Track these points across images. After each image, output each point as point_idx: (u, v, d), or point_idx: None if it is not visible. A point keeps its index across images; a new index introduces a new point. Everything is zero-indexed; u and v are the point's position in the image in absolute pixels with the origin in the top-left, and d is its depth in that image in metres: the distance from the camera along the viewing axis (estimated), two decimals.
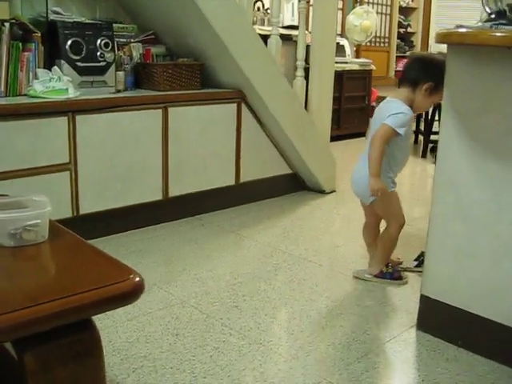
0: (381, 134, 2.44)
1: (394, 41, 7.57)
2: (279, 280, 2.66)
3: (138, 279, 1.26)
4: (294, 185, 4.09)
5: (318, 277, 2.72)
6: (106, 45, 3.06)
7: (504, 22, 1.79)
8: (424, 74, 2.47)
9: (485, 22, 1.84)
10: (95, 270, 1.31)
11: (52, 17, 3.02)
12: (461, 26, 1.86)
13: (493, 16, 1.86)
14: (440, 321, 2.21)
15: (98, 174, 3.00)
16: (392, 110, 2.46)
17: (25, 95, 2.94)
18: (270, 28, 3.94)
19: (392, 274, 2.67)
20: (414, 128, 5.78)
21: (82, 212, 2.95)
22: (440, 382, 1.92)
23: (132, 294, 1.23)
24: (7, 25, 2.86)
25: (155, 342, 2.10)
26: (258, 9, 5.88)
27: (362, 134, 6.44)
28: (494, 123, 1.98)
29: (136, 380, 1.86)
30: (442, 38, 1.87)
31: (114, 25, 3.27)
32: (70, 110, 2.84)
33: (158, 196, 3.29)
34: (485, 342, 2.08)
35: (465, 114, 2.04)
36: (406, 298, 2.51)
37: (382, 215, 2.68)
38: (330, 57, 4.00)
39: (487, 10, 1.90)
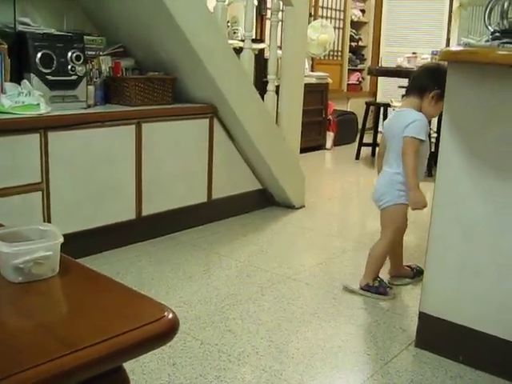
0: (408, 149, 2.49)
1: (347, 54, 7.64)
2: (267, 301, 2.58)
3: (172, 316, 1.16)
4: (264, 200, 4.03)
5: (306, 296, 2.66)
6: (78, 58, 2.93)
7: (510, 40, 1.78)
8: (431, 81, 2.50)
9: (492, 39, 1.82)
10: (126, 307, 1.19)
11: (20, 28, 2.86)
12: (466, 44, 1.85)
13: (497, 34, 1.85)
14: (440, 338, 2.18)
15: (70, 194, 2.85)
16: (407, 120, 2.50)
17: None
18: (233, 41, 3.88)
19: (378, 288, 2.63)
20: None
21: None
22: None
23: (169, 333, 1.13)
24: None
25: (152, 373, 1.98)
26: None
27: (320, 148, 6.47)
28: (495, 139, 1.96)
29: None
30: (448, 55, 1.85)
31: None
32: (42, 126, 2.69)
33: (131, 215, 3.16)
34: (489, 358, 2.06)
35: (465, 129, 2.02)
36: (399, 316, 2.48)
37: (382, 225, 2.68)
38: (300, 71, 3.98)
39: (490, 28, 1.90)
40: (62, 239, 1.35)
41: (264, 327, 2.33)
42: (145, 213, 3.21)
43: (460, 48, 1.85)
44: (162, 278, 2.78)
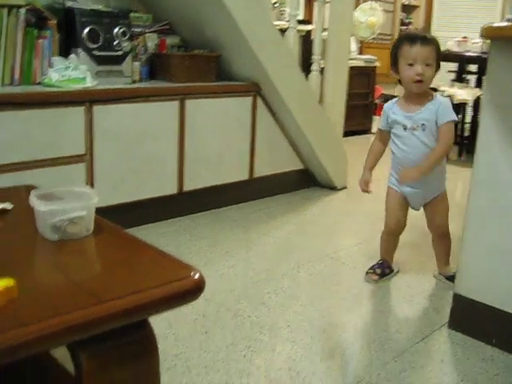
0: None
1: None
2: (303, 277, 2.60)
3: (198, 276, 1.19)
4: (306, 181, 4.03)
5: (342, 274, 2.67)
6: (124, 34, 2.98)
7: None
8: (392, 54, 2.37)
9: None
10: (154, 266, 1.23)
11: (68, 4, 2.93)
12: (510, 20, 1.81)
13: None
14: (473, 319, 2.16)
15: (114, 167, 2.92)
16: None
17: (39, 84, 2.86)
18: (280, 22, 3.88)
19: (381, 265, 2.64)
20: None
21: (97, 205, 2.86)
22: (479, 382, 1.87)
23: (194, 292, 1.16)
24: (22, 11, 2.77)
25: (185, 340, 2.03)
26: None
27: (365, 132, 6.42)
28: None
29: (170, 379, 1.80)
30: (491, 31, 1.82)
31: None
32: (87, 99, 2.76)
33: (173, 190, 3.22)
34: None
35: (506, 109, 1.99)
36: (433, 296, 2.46)
37: None
38: (345, 52, 3.95)
39: None
40: (96, 200, 1.40)
41: (297, 302, 2.35)
42: (186, 188, 3.26)
43: (504, 24, 1.81)
44: (200, 252, 2.82)
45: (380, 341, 2.10)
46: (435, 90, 5.55)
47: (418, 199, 2.49)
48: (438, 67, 2.32)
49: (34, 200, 1.36)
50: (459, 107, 5.04)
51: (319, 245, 3.00)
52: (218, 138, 3.36)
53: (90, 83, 2.80)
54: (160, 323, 2.12)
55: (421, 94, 2.34)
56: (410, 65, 2.28)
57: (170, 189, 3.20)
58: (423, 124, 2.32)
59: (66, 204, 1.37)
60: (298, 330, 2.14)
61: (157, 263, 1.25)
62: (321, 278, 2.60)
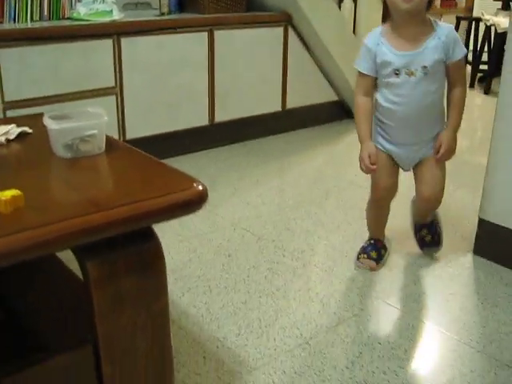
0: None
1: None
2: (330, 204, 2.61)
3: (201, 187, 1.22)
4: (339, 113, 3.98)
5: None
6: None
7: None
8: None
9: None
10: (158, 179, 1.27)
11: None
12: None
13: None
14: (498, 245, 2.14)
15: (144, 99, 2.95)
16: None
17: (68, 18, 2.88)
18: None
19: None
20: None
21: (128, 137, 2.92)
22: (499, 305, 1.86)
23: (196, 202, 1.19)
24: None
25: (208, 262, 2.08)
26: None
27: None
28: None
29: (191, 299, 1.85)
30: None
31: None
32: (115, 32, 2.77)
33: (204, 121, 3.23)
34: None
35: None
36: (460, 223, 2.44)
37: None
38: None
39: None
40: (106, 118, 1.42)
41: (323, 228, 2.37)
42: (218, 119, 3.28)
43: None
44: (229, 182, 2.86)
45: (402, 265, 2.11)
46: (479, 19, 5.34)
47: (409, 159, 1.94)
48: None
49: (47, 120, 1.40)
50: (503, 36, 4.85)
51: (349, 174, 2.99)
52: (248, 69, 3.34)
53: (116, 16, 2.81)
54: (184, 247, 2.18)
55: (416, 22, 1.77)
56: None
57: (202, 120, 3.22)
58: (424, 67, 1.76)
59: (78, 122, 1.41)
60: (321, 254, 2.17)
61: (163, 176, 1.28)
62: (348, 205, 2.61)
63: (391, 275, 2.03)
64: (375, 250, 2.09)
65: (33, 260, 1.40)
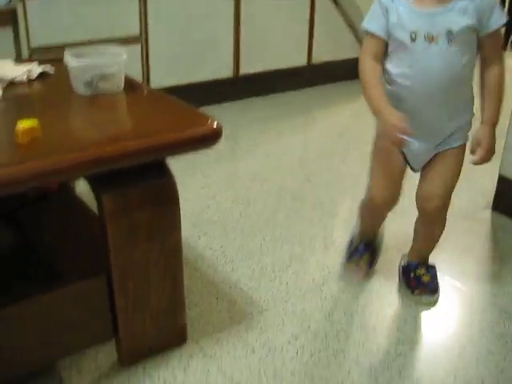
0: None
1: None
2: (352, 158, 2.60)
3: (216, 124, 1.24)
4: None
5: None
6: None
7: None
8: None
9: None
10: (174, 116, 1.29)
11: None
12: None
13: None
14: None
15: (168, 49, 2.95)
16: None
17: None
18: None
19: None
20: None
21: (152, 85, 2.93)
22: None
23: (210, 137, 1.21)
24: None
25: (226, 209, 2.10)
26: None
27: None
28: None
29: (207, 242, 1.88)
30: None
31: None
32: None
33: (229, 73, 3.23)
34: None
35: None
36: (480, 180, 2.42)
37: None
38: None
39: None
40: (125, 57, 1.43)
41: (344, 180, 2.37)
42: (242, 71, 3.27)
43: None
44: (252, 134, 2.86)
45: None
46: None
47: (424, 155, 1.53)
48: None
49: (67, 57, 1.42)
50: None
51: (373, 129, 2.96)
52: (275, 20, 3.31)
53: None
54: (204, 194, 2.21)
55: None
56: None
57: (226, 72, 3.21)
58: (449, 32, 1.36)
59: (97, 60, 1.42)
60: (340, 204, 2.18)
61: (179, 113, 1.31)
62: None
63: (409, 230, 2.03)
64: (367, 253, 1.76)
65: (52, 193, 1.44)
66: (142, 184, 1.20)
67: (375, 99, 1.42)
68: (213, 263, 1.77)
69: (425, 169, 1.56)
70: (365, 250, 1.76)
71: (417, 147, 1.49)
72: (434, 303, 1.64)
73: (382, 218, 1.73)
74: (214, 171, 2.40)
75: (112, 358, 1.39)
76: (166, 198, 1.25)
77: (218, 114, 3.05)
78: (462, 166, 1.55)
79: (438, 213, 1.58)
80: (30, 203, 1.50)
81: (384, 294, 1.66)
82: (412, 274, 1.68)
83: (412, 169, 1.58)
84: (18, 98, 1.40)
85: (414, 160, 1.55)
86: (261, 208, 2.11)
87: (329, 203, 2.17)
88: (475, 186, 2.35)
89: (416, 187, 1.59)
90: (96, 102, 1.37)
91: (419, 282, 1.66)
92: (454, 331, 1.53)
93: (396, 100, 1.44)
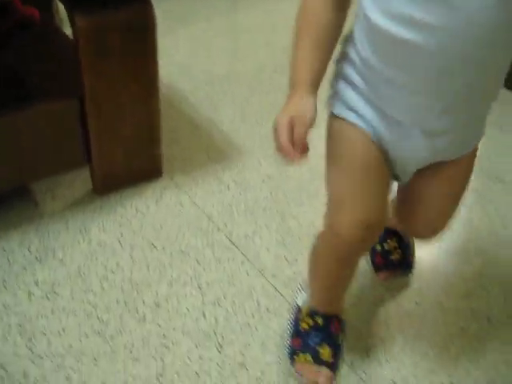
0: None
1: None
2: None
3: None
4: None
5: None
6: None
7: None
8: None
9: None
10: None
11: None
12: None
13: None
14: None
15: None
16: None
17: None
18: None
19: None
20: None
21: None
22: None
23: None
24: None
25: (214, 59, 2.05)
26: None
27: None
28: None
29: (194, 88, 1.85)
30: None
31: None
32: None
33: None
34: None
35: None
36: None
37: None
38: None
39: None
40: None
41: None
42: None
43: None
44: None
45: None
46: None
47: (422, 158, 0.90)
48: None
49: None
50: None
51: None
52: None
53: None
54: (196, 45, 2.14)
55: None
56: None
57: None
58: None
59: None
60: None
61: None
62: None
63: None
64: (328, 343, 1.04)
65: (34, 24, 1.40)
66: (117, 6, 1.17)
67: (296, 64, 0.82)
68: (198, 108, 1.75)
69: (416, 181, 0.95)
70: (323, 336, 1.03)
71: (410, 142, 0.86)
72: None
73: (353, 265, 1.00)
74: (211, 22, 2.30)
75: (87, 187, 1.41)
76: (141, 24, 1.21)
77: None
78: (471, 175, 0.97)
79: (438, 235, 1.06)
80: (11, 29, 1.46)
81: None
82: (378, 250, 1.26)
83: (396, 178, 0.96)
84: None
85: (404, 164, 0.91)
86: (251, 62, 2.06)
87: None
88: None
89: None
90: None
91: (388, 260, 1.25)
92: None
93: (382, 59, 0.79)
